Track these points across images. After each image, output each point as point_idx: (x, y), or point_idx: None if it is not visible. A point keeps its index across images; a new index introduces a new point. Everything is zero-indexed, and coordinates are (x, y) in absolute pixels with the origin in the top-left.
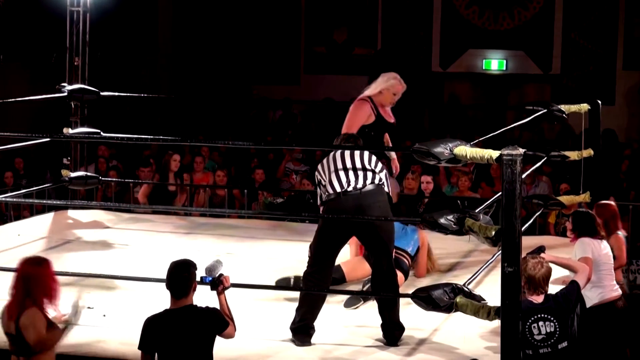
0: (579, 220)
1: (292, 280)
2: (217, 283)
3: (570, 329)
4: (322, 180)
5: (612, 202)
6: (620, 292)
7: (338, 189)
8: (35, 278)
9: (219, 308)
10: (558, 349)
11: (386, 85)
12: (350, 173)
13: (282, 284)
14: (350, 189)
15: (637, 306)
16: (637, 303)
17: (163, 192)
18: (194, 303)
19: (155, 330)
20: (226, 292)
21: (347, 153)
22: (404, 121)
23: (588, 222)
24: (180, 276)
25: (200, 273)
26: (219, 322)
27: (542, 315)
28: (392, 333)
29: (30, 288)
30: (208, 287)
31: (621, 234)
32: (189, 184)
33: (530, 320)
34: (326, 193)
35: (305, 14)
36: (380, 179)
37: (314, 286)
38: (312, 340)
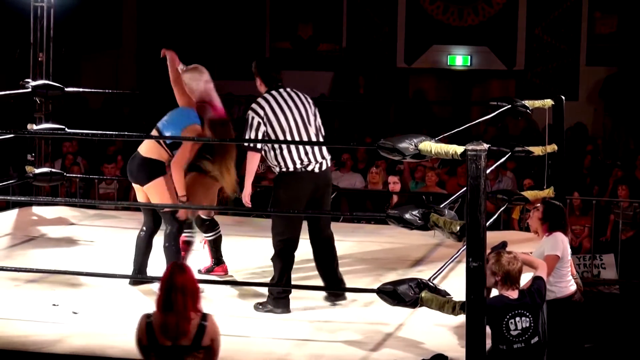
0: (552, 212)
1: None
2: None
3: (540, 324)
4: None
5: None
6: (575, 286)
7: (298, 165)
8: (190, 287)
9: None
10: (531, 344)
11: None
12: (310, 150)
13: None
14: (310, 168)
15: (597, 303)
16: (598, 300)
17: None
18: None
19: None
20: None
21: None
22: (369, 117)
23: (560, 215)
24: None
25: None
26: None
27: (519, 311)
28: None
29: (190, 298)
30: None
31: None
32: None
33: (507, 316)
34: (281, 166)
35: (270, 9)
36: (331, 159)
37: (286, 252)
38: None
